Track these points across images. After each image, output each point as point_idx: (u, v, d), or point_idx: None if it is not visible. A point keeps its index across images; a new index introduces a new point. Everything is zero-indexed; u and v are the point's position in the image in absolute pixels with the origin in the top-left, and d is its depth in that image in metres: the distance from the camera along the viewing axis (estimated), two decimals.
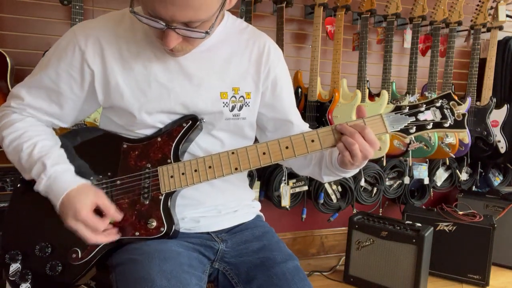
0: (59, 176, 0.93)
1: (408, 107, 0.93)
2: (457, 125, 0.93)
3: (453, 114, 0.93)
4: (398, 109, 0.93)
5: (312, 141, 0.93)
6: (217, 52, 1.01)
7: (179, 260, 0.91)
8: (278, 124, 1.13)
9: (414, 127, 0.93)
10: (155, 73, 0.97)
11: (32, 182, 0.96)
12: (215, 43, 1.01)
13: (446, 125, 0.92)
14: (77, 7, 1.78)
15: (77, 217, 0.89)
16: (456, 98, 0.93)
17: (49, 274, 0.95)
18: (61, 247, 0.96)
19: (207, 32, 0.85)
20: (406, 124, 0.92)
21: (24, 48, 1.95)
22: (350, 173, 1.02)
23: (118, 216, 0.94)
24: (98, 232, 0.91)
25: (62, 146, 1.01)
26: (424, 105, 0.93)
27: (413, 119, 0.93)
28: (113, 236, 0.94)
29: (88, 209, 0.90)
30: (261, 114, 1.11)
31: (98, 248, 0.94)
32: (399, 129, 0.93)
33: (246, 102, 1.05)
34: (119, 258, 0.94)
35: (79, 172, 0.99)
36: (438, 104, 0.93)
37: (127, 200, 0.96)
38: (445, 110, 0.93)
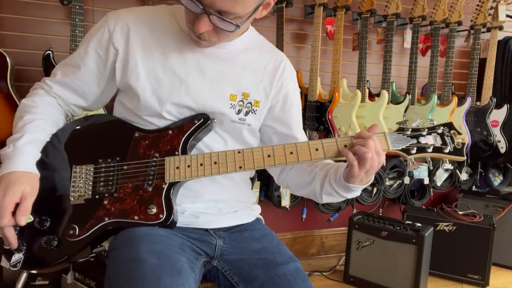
0: (21, 154, 0.96)
1: (410, 130, 0.99)
2: (457, 152, 0.99)
3: (453, 142, 0.99)
4: (401, 130, 0.99)
5: (316, 149, 0.97)
6: (235, 57, 1.06)
7: (169, 242, 0.93)
8: (283, 139, 1.15)
9: (415, 149, 0.98)
10: (172, 63, 1.02)
11: None
12: (236, 49, 1.06)
13: (446, 151, 0.98)
14: (77, 7, 1.78)
15: (3, 196, 0.90)
16: (456, 128, 1.00)
17: (44, 247, 0.96)
18: (60, 222, 0.98)
19: (237, 26, 0.90)
20: (408, 145, 0.98)
21: (24, 48, 1.95)
22: (352, 194, 1.02)
23: (21, 221, 0.92)
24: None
25: (78, 128, 1.07)
26: (426, 130, 0.99)
27: (414, 141, 0.98)
28: (13, 238, 0.93)
29: (14, 198, 0.90)
30: (267, 126, 1.14)
31: (96, 227, 0.96)
32: (400, 148, 0.98)
33: (253, 109, 1.08)
34: (113, 244, 0.96)
35: (89, 153, 1.03)
36: (439, 131, 0.99)
37: (131, 185, 0.99)
38: (445, 137, 0.99)
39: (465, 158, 0.99)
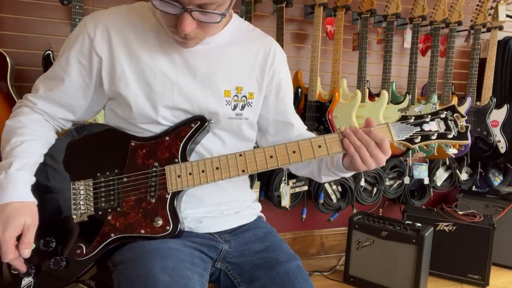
0: (14, 182, 0.91)
1: (413, 117, 0.96)
2: (461, 136, 0.96)
3: (456, 125, 0.96)
4: (404, 119, 0.96)
5: (319, 146, 0.94)
6: (223, 51, 1.03)
7: (180, 257, 0.92)
8: (280, 126, 1.14)
9: (419, 137, 0.95)
10: (161, 66, 0.98)
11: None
12: (222, 42, 1.02)
13: (450, 136, 0.95)
14: (77, 7, 1.78)
15: (3, 232, 0.87)
16: (459, 110, 0.97)
17: (52, 268, 0.95)
18: (66, 242, 0.96)
19: (223, 14, 0.86)
20: (412, 134, 0.95)
21: (24, 48, 1.95)
22: (350, 173, 1.03)
23: (25, 254, 0.89)
24: (5, 255, 0.88)
25: (71, 142, 1.02)
26: (429, 116, 0.96)
27: (418, 129, 0.95)
28: (21, 266, 0.91)
29: (14, 233, 0.88)
30: (263, 116, 1.13)
31: (103, 244, 0.95)
32: (404, 138, 0.95)
33: (248, 102, 1.06)
34: (121, 256, 0.94)
35: (86, 167, 0.99)
36: (442, 116, 0.96)
37: (133, 198, 0.97)
38: (449, 121, 0.96)
39: (469, 141, 0.97)
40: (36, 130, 1.00)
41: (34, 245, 0.93)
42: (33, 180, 0.96)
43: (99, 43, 0.96)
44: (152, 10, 1.01)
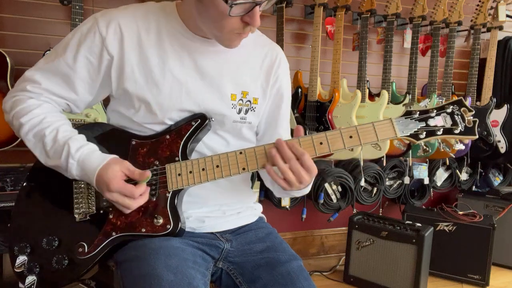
0: (86, 158, 0.93)
1: (418, 112, 0.91)
2: (468, 131, 0.91)
3: (463, 120, 0.91)
4: (408, 114, 0.92)
5: (321, 143, 0.91)
6: (232, 55, 1.03)
7: (183, 256, 0.92)
8: (269, 134, 1.13)
9: (424, 133, 0.91)
10: (170, 66, 0.98)
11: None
12: None
13: (457, 131, 0.90)
14: (77, 7, 1.78)
15: (110, 189, 0.90)
16: (467, 104, 0.92)
17: (55, 267, 0.96)
18: (68, 241, 0.97)
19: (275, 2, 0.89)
20: (416, 129, 0.91)
21: (24, 48, 1.95)
22: (300, 192, 1.01)
23: (145, 174, 0.93)
24: (136, 198, 0.92)
25: None
26: (435, 111, 0.91)
27: (423, 124, 0.91)
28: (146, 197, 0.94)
29: (118, 179, 0.91)
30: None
31: (104, 243, 0.95)
32: (408, 134, 0.91)
33: (252, 107, 1.07)
34: (124, 255, 0.94)
35: None
36: (449, 110, 0.91)
37: None
38: (455, 116, 0.91)
39: (477, 136, 0.91)
40: (58, 116, 1.00)
41: (150, 175, 0.95)
42: (93, 146, 0.97)
43: (111, 41, 0.95)
44: (162, 9, 1.01)
